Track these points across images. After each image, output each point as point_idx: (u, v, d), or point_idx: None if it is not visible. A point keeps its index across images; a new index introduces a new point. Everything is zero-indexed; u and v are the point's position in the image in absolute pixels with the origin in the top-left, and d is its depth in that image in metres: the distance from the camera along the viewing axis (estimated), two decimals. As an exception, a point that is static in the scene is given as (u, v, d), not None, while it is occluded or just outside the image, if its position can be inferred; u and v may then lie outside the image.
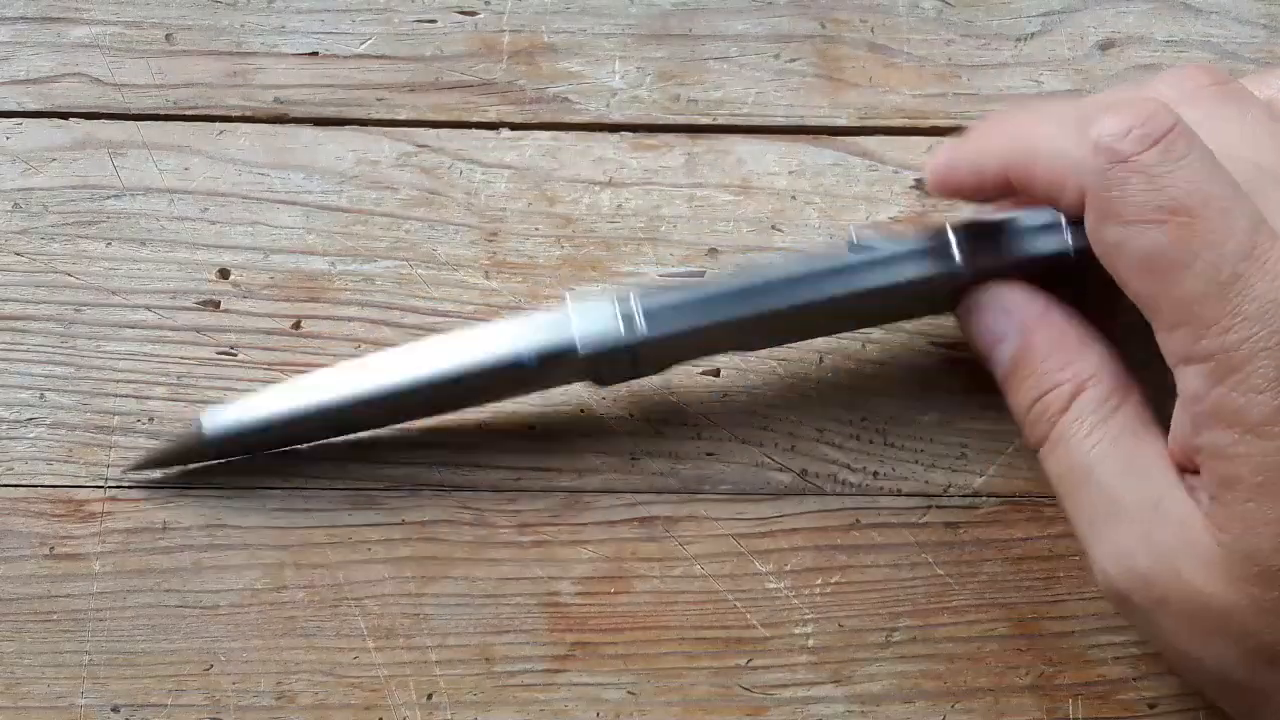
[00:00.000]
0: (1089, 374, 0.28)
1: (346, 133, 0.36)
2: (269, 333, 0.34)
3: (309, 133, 0.36)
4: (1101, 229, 0.26)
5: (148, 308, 0.34)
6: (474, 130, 0.36)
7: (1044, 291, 0.30)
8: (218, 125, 0.36)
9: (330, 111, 0.36)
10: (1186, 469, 0.27)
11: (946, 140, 0.32)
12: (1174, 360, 0.26)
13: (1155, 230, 0.25)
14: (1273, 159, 0.27)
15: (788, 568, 0.32)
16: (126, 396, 0.33)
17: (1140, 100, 0.27)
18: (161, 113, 0.36)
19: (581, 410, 0.33)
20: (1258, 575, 0.25)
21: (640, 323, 0.30)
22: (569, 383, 0.31)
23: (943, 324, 0.33)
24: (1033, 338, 0.29)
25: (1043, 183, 0.28)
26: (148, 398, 0.33)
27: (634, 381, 0.32)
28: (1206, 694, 0.29)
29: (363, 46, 0.36)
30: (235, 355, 0.33)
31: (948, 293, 0.30)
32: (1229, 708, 0.28)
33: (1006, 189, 0.29)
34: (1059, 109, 0.29)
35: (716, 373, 0.33)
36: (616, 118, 0.36)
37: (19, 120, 0.35)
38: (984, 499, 0.33)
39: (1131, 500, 0.27)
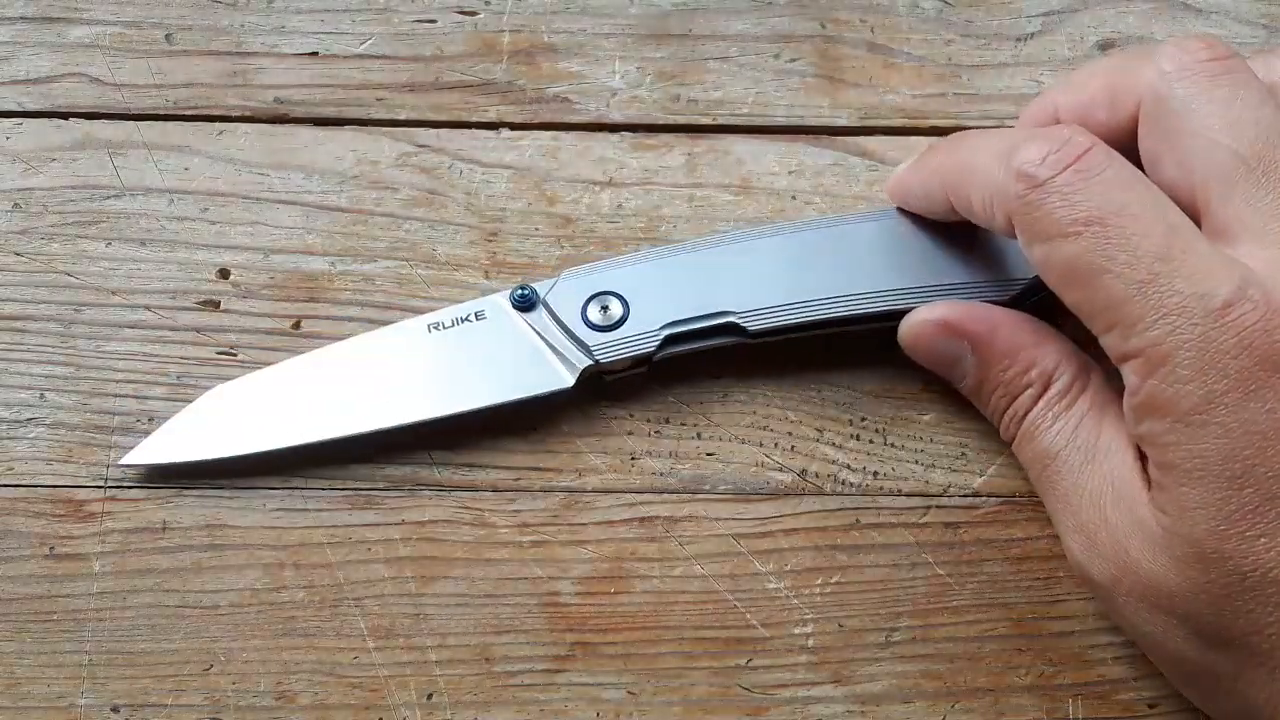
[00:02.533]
0: (1052, 368, 0.30)
1: (346, 133, 0.36)
2: (269, 333, 0.34)
3: (309, 133, 0.36)
4: (1029, 249, 0.28)
5: (148, 308, 0.34)
6: (474, 130, 0.36)
7: (980, 303, 0.32)
8: (218, 125, 0.36)
9: (330, 111, 0.36)
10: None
11: (903, 163, 0.33)
12: (1114, 359, 0.27)
13: (1073, 242, 0.27)
14: (1254, 148, 0.27)
15: (788, 568, 0.32)
16: (126, 396, 0.33)
17: (1058, 128, 0.28)
18: (161, 113, 0.36)
19: (581, 410, 0.33)
20: (1195, 558, 0.26)
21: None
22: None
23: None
24: (988, 352, 0.31)
25: (978, 210, 0.29)
26: (148, 398, 0.33)
27: (634, 381, 0.32)
28: (1169, 677, 0.30)
29: (363, 46, 0.36)
30: (235, 355, 0.33)
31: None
32: (1188, 692, 0.29)
33: (952, 210, 0.31)
34: (994, 139, 0.30)
35: (717, 373, 0.33)
36: (616, 118, 0.36)
37: (19, 120, 0.35)
38: (984, 499, 0.33)
39: (1091, 481, 0.29)
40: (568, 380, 0.32)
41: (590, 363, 0.32)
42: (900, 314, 0.32)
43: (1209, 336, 0.25)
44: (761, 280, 0.32)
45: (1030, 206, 0.27)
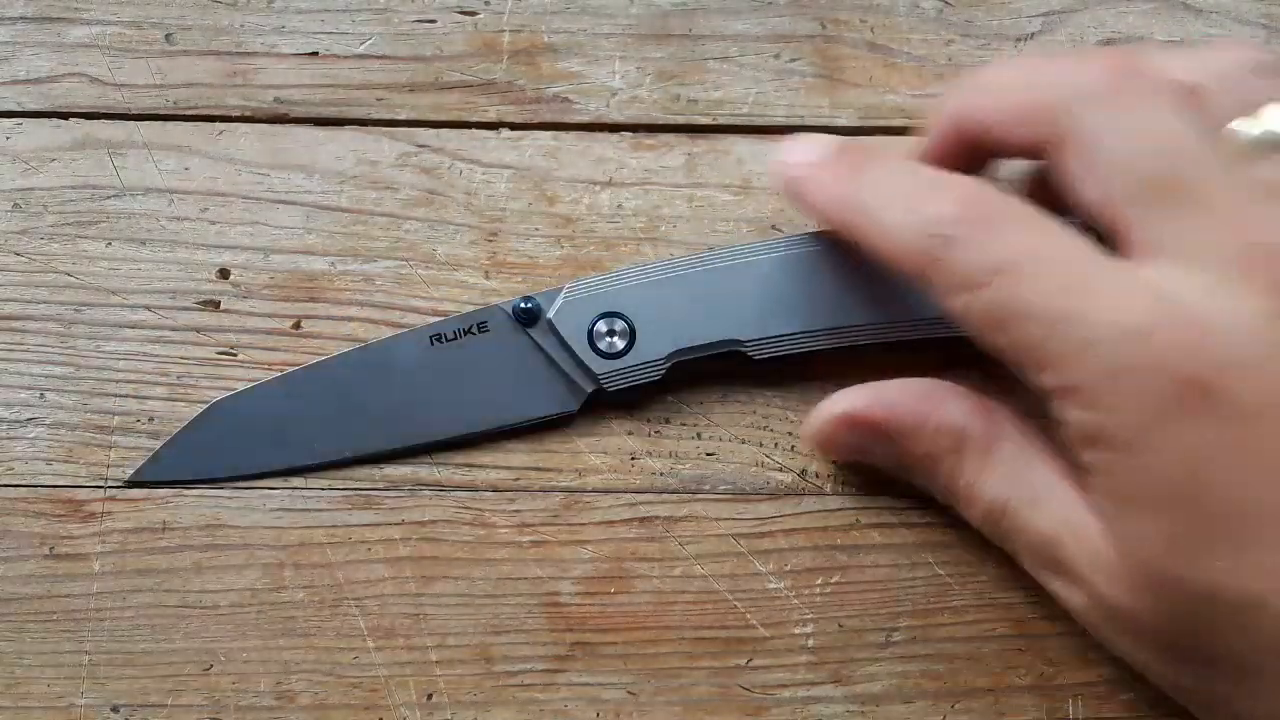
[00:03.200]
0: (961, 425, 0.30)
1: (346, 133, 0.36)
2: (269, 333, 0.34)
3: (309, 133, 0.36)
4: (945, 303, 0.28)
5: (148, 308, 0.34)
6: (474, 130, 0.36)
7: (876, 383, 0.31)
8: (218, 125, 0.36)
9: (330, 111, 0.36)
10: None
11: (793, 149, 0.31)
12: (1048, 399, 0.27)
13: (986, 292, 0.27)
14: (1165, 169, 0.27)
15: (788, 568, 0.32)
16: (126, 396, 0.33)
17: (963, 182, 0.28)
18: (161, 113, 0.36)
19: (581, 410, 0.33)
20: (1153, 585, 0.26)
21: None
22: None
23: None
24: (895, 432, 0.31)
25: (883, 255, 0.29)
26: (148, 398, 0.33)
27: (635, 381, 0.32)
28: (1170, 694, 0.29)
29: (363, 46, 0.36)
30: (235, 355, 0.33)
31: None
32: (1190, 708, 0.29)
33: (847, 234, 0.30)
34: (896, 179, 0.29)
35: (717, 373, 0.33)
36: (616, 118, 0.36)
37: (19, 120, 0.35)
38: (984, 499, 0.33)
39: (1044, 523, 0.29)
40: (572, 406, 0.32)
41: (596, 388, 0.32)
42: (908, 340, 0.32)
43: (1129, 363, 0.25)
44: (767, 306, 0.32)
45: (941, 263, 0.27)
